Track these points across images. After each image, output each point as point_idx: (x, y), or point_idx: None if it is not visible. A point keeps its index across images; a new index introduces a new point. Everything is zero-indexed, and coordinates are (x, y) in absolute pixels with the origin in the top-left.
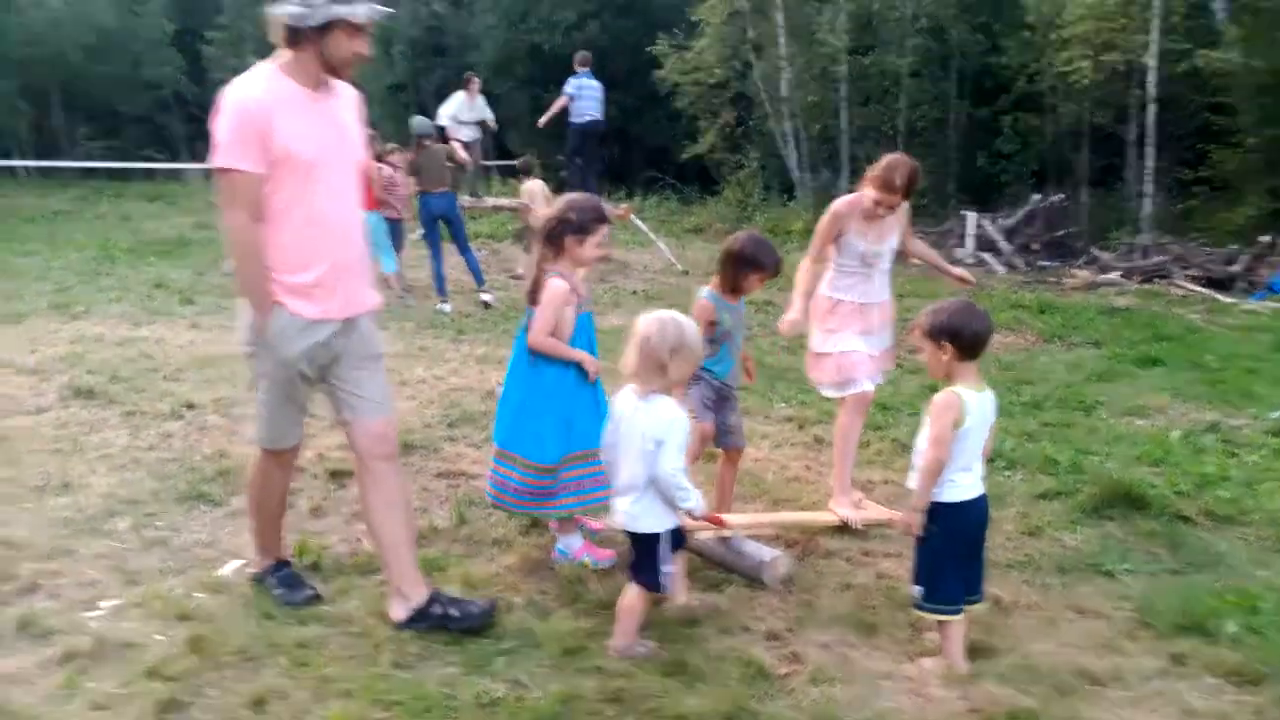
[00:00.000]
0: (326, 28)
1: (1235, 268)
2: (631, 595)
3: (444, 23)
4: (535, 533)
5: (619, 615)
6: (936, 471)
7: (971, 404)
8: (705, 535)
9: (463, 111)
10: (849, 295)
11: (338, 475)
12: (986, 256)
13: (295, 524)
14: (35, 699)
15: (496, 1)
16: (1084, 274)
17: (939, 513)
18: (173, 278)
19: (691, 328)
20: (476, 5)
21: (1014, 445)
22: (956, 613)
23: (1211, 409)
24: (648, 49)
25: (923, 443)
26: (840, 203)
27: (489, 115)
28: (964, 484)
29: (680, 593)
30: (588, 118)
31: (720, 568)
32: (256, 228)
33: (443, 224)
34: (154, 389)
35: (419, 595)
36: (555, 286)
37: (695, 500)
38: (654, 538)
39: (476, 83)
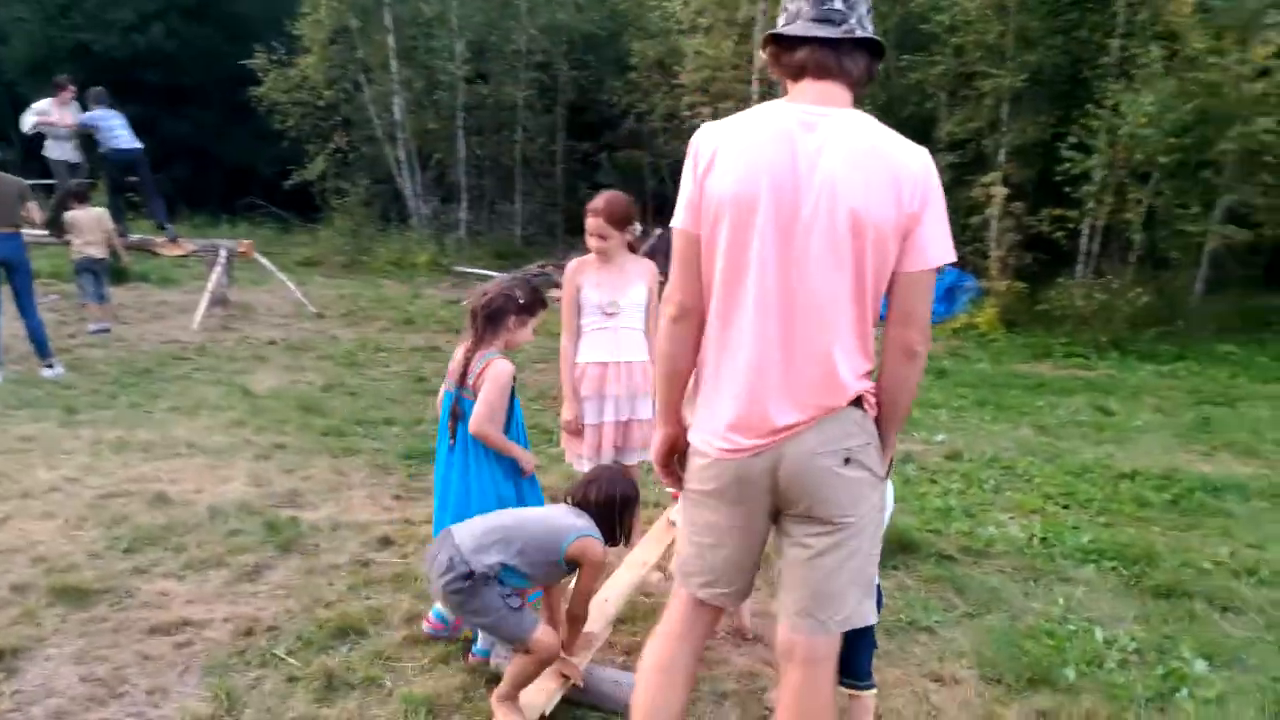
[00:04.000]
0: None
1: None
2: None
3: None
4: (340, 698)
5: None
6: None
7: None
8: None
9: (58, 126)
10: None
11: None
12: None
13: None
14: None
15: None
16: None
17: None
18: None
19: None
20: None
21: None
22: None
23: (939, 433)
24: (240, 61)
25: None
26: (570, 264)
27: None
28: None
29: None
30: (115, 146)
31: (573, 703)
32: None
33: (4, 271)
34: None
35: None
36: (502, 370)
37: None
38: None
39: (70, 89)
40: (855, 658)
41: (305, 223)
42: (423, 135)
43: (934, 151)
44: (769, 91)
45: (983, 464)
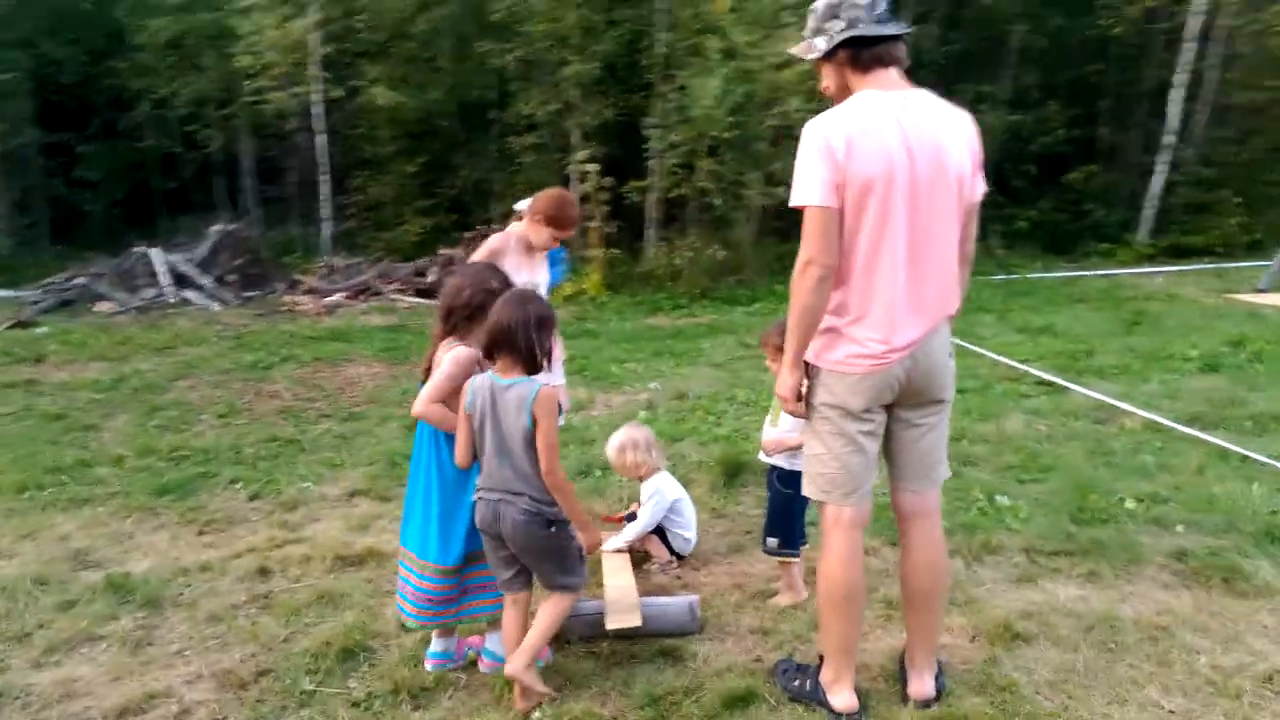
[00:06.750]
0: None
1: (430, 279)
2: None
3: None
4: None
5: None
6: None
7: None
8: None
9: None
10: None
11: None
12: (190, 295)
13: None
14: None
15: None
16: (305, 300)
17: (793, 479)
18: None
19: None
20: None
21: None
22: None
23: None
24: None
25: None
26: (494, 239)
27: None
28: None
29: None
30: None
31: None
32: None
33: None
34: None
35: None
36: (463, 354)
37: None
38: None
39: None
40: (788, 534)
41: None
42: None
43: (511, 133)
44: (337, 80)
45: (713, 398)
